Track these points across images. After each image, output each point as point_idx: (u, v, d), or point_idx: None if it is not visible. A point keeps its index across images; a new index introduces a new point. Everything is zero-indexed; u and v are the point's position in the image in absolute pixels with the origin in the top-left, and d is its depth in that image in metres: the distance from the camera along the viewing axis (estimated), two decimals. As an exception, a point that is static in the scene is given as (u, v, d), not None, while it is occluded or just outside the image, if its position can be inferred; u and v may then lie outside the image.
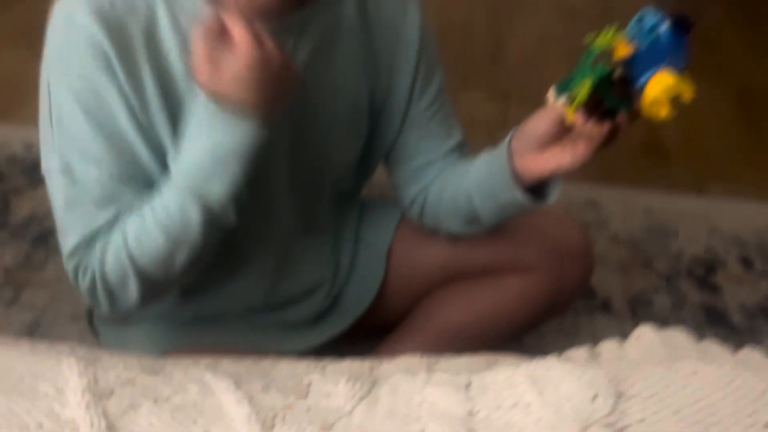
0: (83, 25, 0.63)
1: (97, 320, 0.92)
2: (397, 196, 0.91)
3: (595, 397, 0.37)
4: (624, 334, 0.51)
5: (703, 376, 0.40)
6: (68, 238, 0.69)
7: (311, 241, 0.87)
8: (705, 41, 2.23)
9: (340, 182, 0.86)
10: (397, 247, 0.94)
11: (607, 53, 0.62)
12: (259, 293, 0.85)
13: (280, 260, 0.85)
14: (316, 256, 0.89)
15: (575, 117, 0.64)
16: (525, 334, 1.02)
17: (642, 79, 0.60)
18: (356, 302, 0.92)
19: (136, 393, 0.40)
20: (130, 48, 0.65)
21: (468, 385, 0.40)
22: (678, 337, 0.48)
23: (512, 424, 0.38)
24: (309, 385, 0.43)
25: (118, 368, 0.43)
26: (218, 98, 0.62)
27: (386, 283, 0.94)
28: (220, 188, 0.65)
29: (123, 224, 0.67)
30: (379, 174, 0.92)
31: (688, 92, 0.59)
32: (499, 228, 0.86)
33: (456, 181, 0.83)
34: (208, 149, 0.64)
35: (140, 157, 0.68)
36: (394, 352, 0.70)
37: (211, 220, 0.66)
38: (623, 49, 0.61)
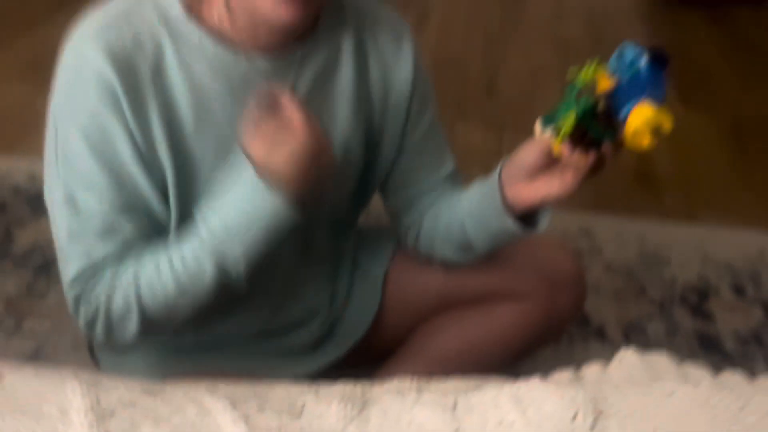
0: (94, 64, 0.66)
1: (98, 348, 0.93)
2: (392, 224, 0.93)
3: (575, 415, 0.39)
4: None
5: (681, 395, 0.42)
6: (69, 267, 0.71)
7: (309, 269, 0.89)
8: (696, 72, 2.29)
9: (336, 212, 0.88)
10: (393, 274, 0.95)
11: (591, 86, 0.64)
12: (257, 321, 0.86)
13: (279, 289, 0.87)
14: (314, 284, 0.91)
15: (561, 148, 0.66)
16: (520, 360, 1.03)
17: (624, 111, 0.62)
18: (353, 329, 0.94)
19: (137, 414, 0.42)
20: (138, 85, 0.67)
21: (455, 406, 0.42)
22: (659, 360, 0.50)
23: (497, 442, 0.39)
24: (303, 406, 0.45)
25: (120, 390, 0.45)
26: (266, 172, 0.65)
27: (382, 310, 0.95)
28: (241, 254, 0.68)
29: (137, 266, 0.70)
30: (376, 202, 0.94)
31: (667, 123, 0.61)
32: (493, 256, 0.88)
33: (450, 209, 0.85)
34: (242, 216, 0.67)
35: (141, 189, 0.70)
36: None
37: (224, 281, 0.70)
38: (605, 82, 0.63)
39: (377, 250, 0.97)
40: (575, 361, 1.21)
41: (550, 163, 0.70)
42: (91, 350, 0.95)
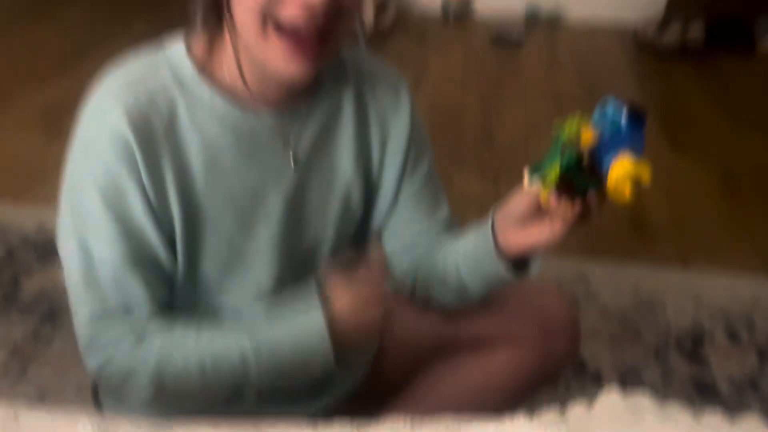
0: (111, 123, 0.69)
1: (102, 393, 0.95)
2: (390, 268, 0.94)
3: (559, 451, 0.41)
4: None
5: (660, 433, 0.44)
6: (81, 312, 0.74)
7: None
8: (687, 122, 2.35)
9: (337, 256, 0.90)
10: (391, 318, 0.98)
11: (575, 139, 0.66)
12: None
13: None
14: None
15: (548, 198, 0.69)
16: (518, 405, 1.04)
17: (605, 164, 0.64)
18: (350, 373, 0.95)
19: (145, 450, 0.44)
20: (153, 142, 0.70)
21: (445, 442, 0.44)
22: (642, 401, 0.52)
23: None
24: (302, 444, 0.47)
25: (129, 428, 0.47)
26: (337, 325, 0.73)
27: (381, 353, 0.96)
28: (267, 374, 0.74)
29: (162, 345, 0.73)
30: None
31: (646, 175, 0.62)
32: (489, 301, 0.90)
33: (445, 254, 0.87)
34: (291, 342, 0.74)
35: (151, 242, 0.73)
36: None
37: (242, 391, 0.74)
38: (588, 136, 0.65)
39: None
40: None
41: (539, 211, 0.72)
42: (95, 395, 0.97)
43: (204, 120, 0.73)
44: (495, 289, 0.85)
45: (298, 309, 0.77)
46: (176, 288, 0.79)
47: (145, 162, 0.69)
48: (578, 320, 0.99)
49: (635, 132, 0.64)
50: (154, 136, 0.70)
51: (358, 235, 0.92)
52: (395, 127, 0.86)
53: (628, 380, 1.30)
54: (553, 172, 0.66)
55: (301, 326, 0.75)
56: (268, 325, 0.77)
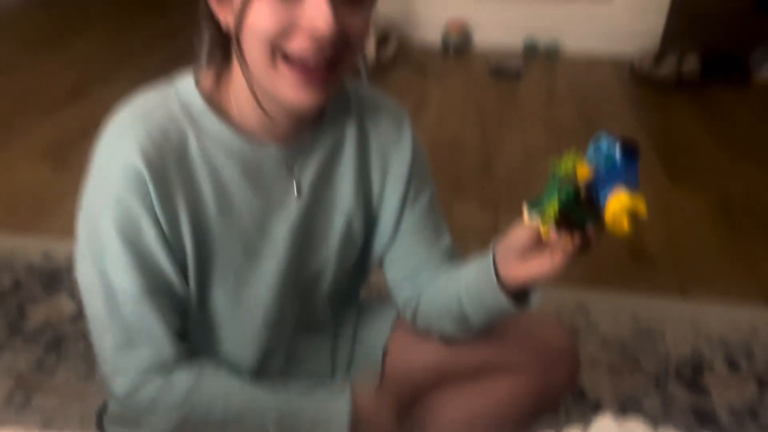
0: (125, 157, 0.71)
1: (107, 423, 0.96)
2: (392, 297, 0.96)
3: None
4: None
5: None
6: (106, 337, 0.76)
7: (312, 341, 0.93)
8: (684, 152, 2.38)
9: (337, 286, 0.92)
10: (392, 347, 0.98)
11: (572, 174, 0.67)
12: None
13: (282, 361, 0.90)
14: (316, 356, 0.94)
15: (548, 232, 0.70)
16: (518, 433, 1.04)
17: (603, 198, 0.66)
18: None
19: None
20: (165, 175, 0.72)
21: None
22: (635, 426, 0.53)
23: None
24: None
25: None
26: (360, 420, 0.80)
27: (382, 382, 0.97)
28: None
29: (193, 387, 0.77)
30: (378, 278, 0.98)
31: (642, 209, 0.64)
32: (490, 331, 0.90)
33: (447, 284, 0.88)
34: (311, 420, 0.79)
35: (166, 273, 0.75)
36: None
37: None
38: (584, 171, 0.67)
39: (377, 324, 1.00)
40: (572, 435, 1.24)
41: (539, 244, 0.73)
42: (100, 425, 0.98)
43: (213, 151, 0.76)
44: (496, 320, 0.86)
45: (326, 392, 0.83)
46: (190, 317, 0.81)
47: (158, 194, 0.71)
48: (577, 349, 1.00)
49: (630, 166, 0.65)
50: (166, 169, 0.72)
51: (360, 263, 0.94)
52: (396, 159, 0.88)
53: (629, 409, 1.31)
54: (552, 207, 0.67)
55: (325, 409, 0.81)
56: (296, 398, 0.82)
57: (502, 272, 0.78)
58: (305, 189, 0.82)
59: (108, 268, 0.73)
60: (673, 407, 1.32)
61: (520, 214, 0.74)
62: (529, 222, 0.72)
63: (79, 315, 1.51)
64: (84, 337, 1.45)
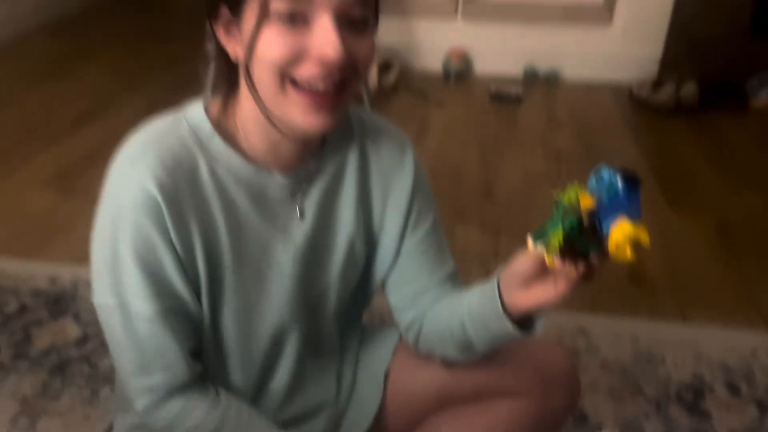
0: (141, 183, 0.72)
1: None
2: (395, 321, 0.97)
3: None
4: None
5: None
6: (125, 359, 0.78)
7: (315, 364, 0.94)
8: (682, 177, 2.40)
9: (341, 309, 0.93)
10: (394, 371, 0.99)
11: (575, 205, 0.69)
12: (267, 415, 0.90)
13: (286, 383, 0.91)
14: (321, 380, 0.95)
15: (553, 260, 0.71)
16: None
17: (606, 227, 0.67)
18: (355, 424, 0.97)
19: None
20: (179, 201, 0.74)
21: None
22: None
23: None
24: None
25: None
26: None
27: (384, 405, 0.98)
28: None
29: (216, 414, 0.81)
30: (380, 301, 0.99)
31: (644, 238, 0.65)
32: (491, 354, 0.91)
33: (450, 309, 0.89)
34: None
35: (182, 296, 0.77)
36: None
37: None
38: (587, 201, 0.69)
39: (380, 347, 1.01)
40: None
41: (543, 271, 0.74)
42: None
43: (222, 176, 0.78)
44: (500, 345, 0.87)
45: None
46: (203, 337, 0.83)
47: (172, 218, 0.73)
48: (577, 373, 1.01)
49: (632, 196, 0.67)
50: (179, 194, 0.74)
51: (362, 286, 0.96)
52: (397, 184, 0.90)
53: (630, 433, 1.31)
54: (556, 236, 0.69)
55: None
56: None
57: (506, 299, 0.79)
58: (308, 213, 0.84)
59: (125, 291, 0.75)
60: (674, 431, 1.32)
61: (520, 238, 0.75)
62: (533, 251, 0.73)
63: (84, 339, 1.52)
64: (89, 360, 1.46)
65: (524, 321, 0.81)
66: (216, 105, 0.80)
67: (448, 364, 0.96)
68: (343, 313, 0.95)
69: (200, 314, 0.80)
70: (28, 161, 2.39)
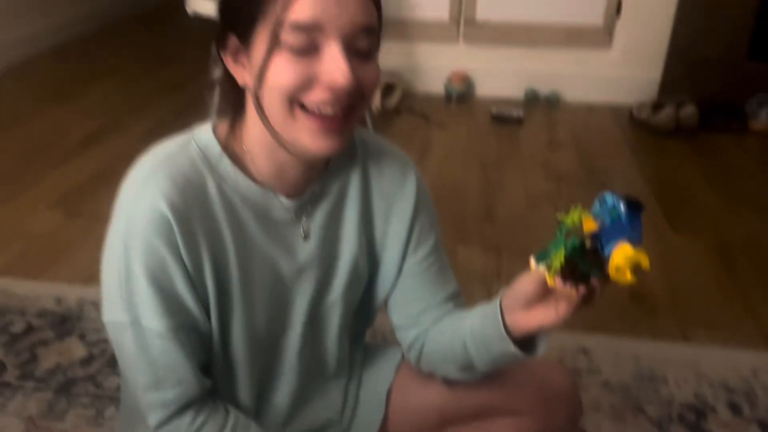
0: (152, 202, 0.74)
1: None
2: (397, 339, 0.98)
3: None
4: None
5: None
6: (138, 377, 0.79)
7: (321, 383, 0.95)
8: (683, 197, 2.42)
9: (345, 328, 0.95)
10: (396, 389, 1.00)
11: (578, 227, 0.70)
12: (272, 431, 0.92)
13: (291, 402, 0.93)
14: (326, 397, 0.97)
15: (554, 281, 0.73)
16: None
17: (607, 250, 0.68)
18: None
19: None
20: (189, 219, 0.76)
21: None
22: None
23: None
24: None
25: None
26: None
27: (386, 423, 0.99)
28: None
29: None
30: (383, 321, 1.00)
31: (645, 262, 0.67)
32: (492, 373, 0.92)
33: (452, 329, 0.90)
34: None
35: (193, 313, 0.78)
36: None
37: None
38: (590, 224, 0.70)
39: (382, 366, 1.03)
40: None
41: (545, 293, 0.76)
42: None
43: (230, 195, 0.80)
44: (501, 366, 0.88)
45: None
46: (213, 357, 0.84)
47: (182, 237, 0.75)
48: (578, 392, 1.01)
49: (634, 221, 0.68)
50: (189, 212, 0.76)
51: (365, 305, 0.97)
52: (399, 204, 0.92)
53: (632, 453, 1.31)
54: (558, 257, 0.70)
55: None
56: None
57: (508, 320, 0.80)
58: (312, 233, 0.86)
59: (137, 308, 0.76)
60: (676, 451, 1.33)
61: (522, 258, 0.76)
62: (535, 272, 0.74)
63: (89, 359, 1.54)
64: (94, 380, 1.47)
65: (526, 342, 0.82)
66: (223, 128, 0.82)
67: (449, 382, 0.96)
68: (346, 331, 0.96)
69: (209, 331, 0.81)
70: (36, 182, 2.41)
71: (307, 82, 0.71)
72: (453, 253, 1.99)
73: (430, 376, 0.98)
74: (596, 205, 0.70)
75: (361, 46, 0.73)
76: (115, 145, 2.73)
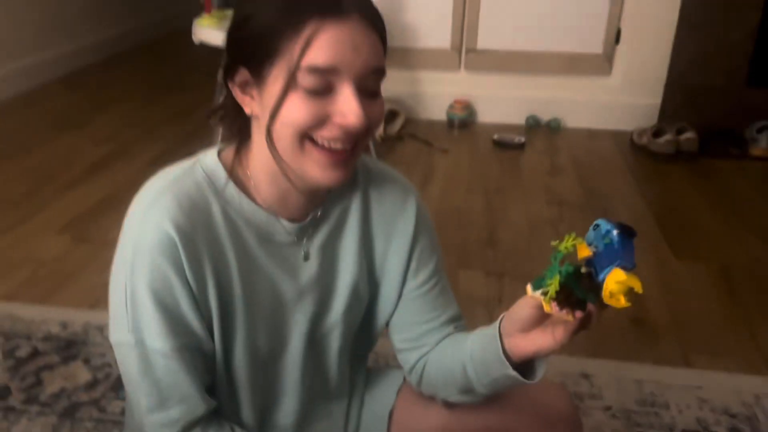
0: (159, 224, 0.76)
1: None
2: (399, 362, 0.99)
3: None
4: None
5: None
6: (143, 400, 0.80)
7: (324, 405, 0.96)
8: (684, 222, 2.43)
9: (345, 349, 0.96)
10: (398, 411, 1.01)
11: (572, 254, 0.72)
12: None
13: (296, 422, 0.93)
14: (329, 420, 0.97)
15: (551, 307, 0.74)
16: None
17: (602, 276, 0.70)
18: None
19: None
20: (194, 241, 0.78)
21: None
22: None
23: None
24: None
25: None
26: None
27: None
28: None
29: None
30: (384, 345, 1.01)
31: (638, 286, 0.68)
32: (492, 395, 0.92)
33: (452, 352, 0.92)
34: None
35: (197, 333, 0.80)
36: None
37: None
38: (584, 251, 0.72)
39: (384, 388, 1.04)
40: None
41: (542, 318, 0.77)
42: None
43: (234, 218, 0.82)
44: (501, 389, 0.89)
45: None
46: (216, 377, 0.85)
47: (187, 258, 0.77)
48: (580, 416, 1.01)
49: (626, 247, 0.70)
50: (195, 235, 0.78)
51: (367, 328, 0.98)
52: (400, 228, 0.93)
53: (634, 479, 1.31)
54: (553, 285, 0.71)
55: None
56: None
57: (507, 344, 0.81)
58: (313, 255, 0.88)
59: (142, 328, 0.77)
60: (678, 476, 1.32)
61: (524, 282, 0.77)
62: (532, 297, 0.76)
63: (93, 383, 1.55)
64: (98, 404, 1.48)
65: (525, 366, 0.83)
66: (228, 153, 0.85)
67: (450, 405, 0.97)
68: (348, 353, 0.97)
69: (213, 351, 0.83)
70: (44, 207, 2.44)
71: (320, 121, 0.74)
72: (455, 278, 2.00)
73: (431, 399, 0.99)
74: (590, 232, 0.72)
75: (371, 86, 0.76)
76: (122, 171, 2.76)
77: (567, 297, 0.72)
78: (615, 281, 0.67)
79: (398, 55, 3.28)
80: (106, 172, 2.76)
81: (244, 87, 0.78)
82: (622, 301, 0.68)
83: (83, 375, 1.57)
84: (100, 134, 3.21)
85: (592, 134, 3.30)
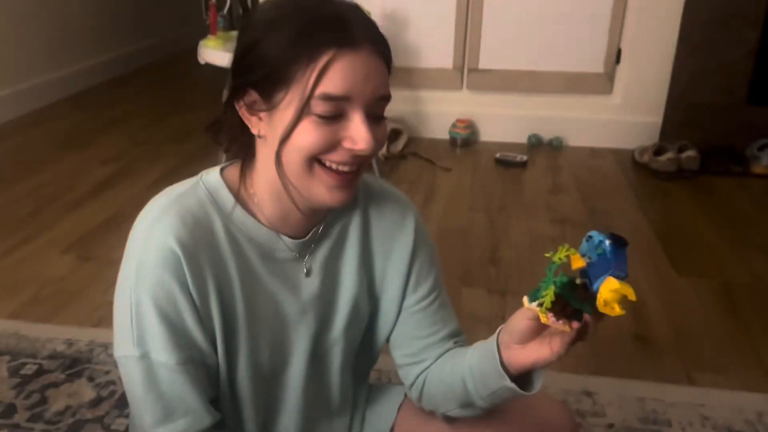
0: (163, 240, 0.78)
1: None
2: (400, 378, 1.01)
3: None
4: None
5: None
6: (147, 415, 0.81)
7: (326, 420, 0.97)
8: (686, 239, 2.44)
9: (347, 365, 0.97)
10: (399, 426, 1.02)
11: (566, 265, 0.73)
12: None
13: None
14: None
15: (547, 318, 0.75)
16: None
17: (596, 285, 0.71)
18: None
19: None
20: (198, 257, 0.79)
21: None
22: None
23: None
24: None
25: None
26: None
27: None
28: None
29: None
30: (388, 363, 1.02)
31: (631, 295, 0.69)
32: (492, 410, 0.92)
33: (452, 367, 0.92)
34: None
35: (200, 347, 0.81)
36: None
37: None
38: (577, 262, 0.73)
39: (385, 404, 1.05)
40: None
41: (539, 330, 0.78)
42: None
43: (236, 234, 0.84)
44: (501, 402, 0.89)
45: None
46: (220, 391, 0.86)
47: (191, 273, 0.78)
48: (577, 427, 1.01)
49: (619, 257, 0.71)
50: (197, 250, 0.79)
51: (367, 344, 0.99)
52: (399, 244, 0.95)
53: (637, 497, 1.31)
54: (549, 296, 0.72)
55: None
56: None
57: (505, 357, 0.83)
58: (314, 271, 0.90)
59: (147, 342, 0.79)
60: (681, 494, 1.32)
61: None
62: (529, 309, 0.77)
63: (98, 401, 1.55)
64: (102, 422, 1.49)
65: (524, 378, 0.84)
66: (231, 171, 0.87)
67: (451, 420, 0.98)
68: (350, 370, 0.98)
69: (216, 365, 0.84)
70: (48, 227, 2.46)
71: (331, 146, 0.77)
72: (458, 296, 2.01)
73: (431, 414, 0.99)
74: (584, 244, 0.74)
75: (378, 112, 0.79)
76: (127, 190, 2.79)
77: (563, 307, 0.73)
78: (609, 289, 0.69)
79: (401, 75, 3.31)
80: (112, 192, 2.79)
81: (251, 107, 0.80)
82: (617, 310, 0.69)
83: (88, 393, 1.58)
84: (106, 153, 3.24)
85: (593, 153, 3.31)
